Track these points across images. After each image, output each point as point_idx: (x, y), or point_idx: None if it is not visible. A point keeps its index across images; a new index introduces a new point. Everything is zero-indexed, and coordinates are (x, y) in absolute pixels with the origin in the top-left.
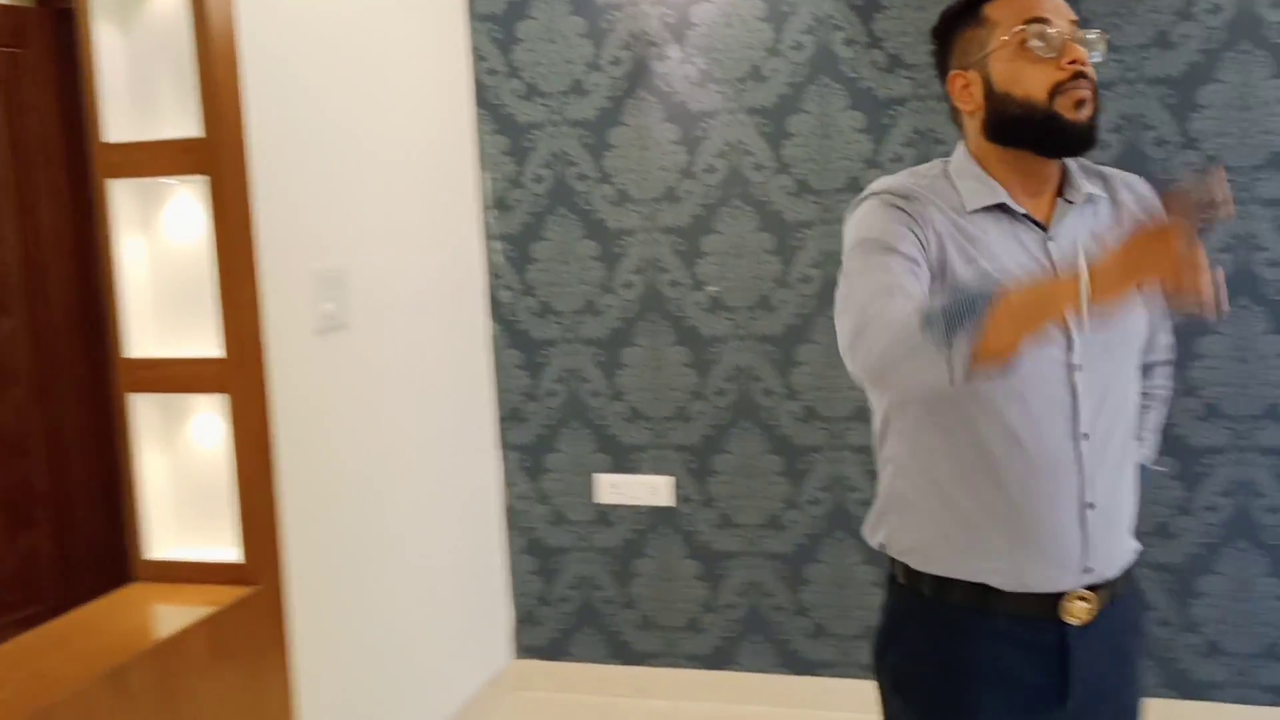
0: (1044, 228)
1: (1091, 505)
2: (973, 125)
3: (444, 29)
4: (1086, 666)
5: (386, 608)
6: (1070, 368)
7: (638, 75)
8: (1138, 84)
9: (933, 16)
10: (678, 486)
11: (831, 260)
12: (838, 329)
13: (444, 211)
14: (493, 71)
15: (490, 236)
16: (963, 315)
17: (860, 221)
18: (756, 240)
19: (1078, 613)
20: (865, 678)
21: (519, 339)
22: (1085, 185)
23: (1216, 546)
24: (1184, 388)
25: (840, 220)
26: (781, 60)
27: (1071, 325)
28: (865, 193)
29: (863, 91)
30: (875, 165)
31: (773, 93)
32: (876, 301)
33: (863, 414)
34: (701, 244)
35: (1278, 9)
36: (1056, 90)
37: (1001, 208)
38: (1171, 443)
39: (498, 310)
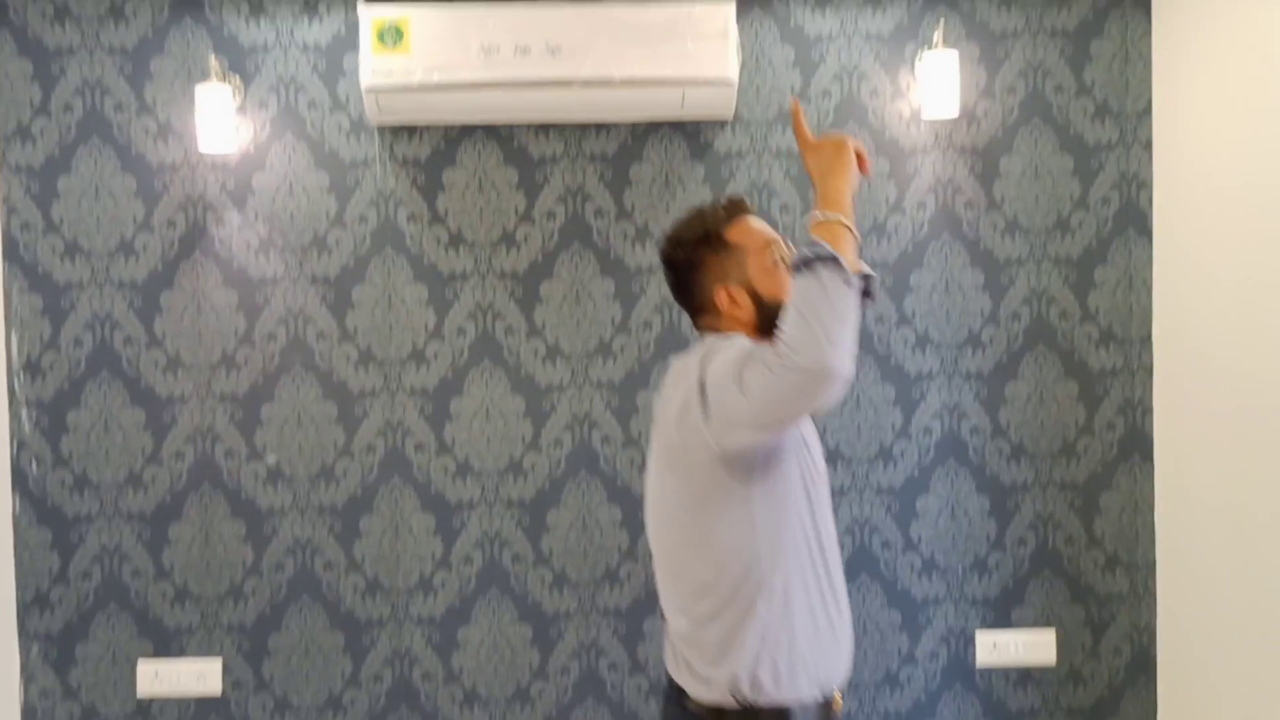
0: None
1: None
2: (735, 325)
3: None
4: None
5: None
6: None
7: (194, 238)
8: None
9: (489, 202)
10: (226, 670)
11: (393, 430)
12: (765, 384)
13: None
14: (27, 226)
15: (17, 403)
16: (822, 250)
17: (731, 347)
18: (320, 409)
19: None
20: None
21: (48, 515)
22: None
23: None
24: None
25: (401, 390)
26: (345, 230)
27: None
28: (714, 344)
29: (426, 266)
30: (438, 337)
31: (337, 263)
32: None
33: (428, 584)
34: (261, 412)
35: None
36: None
37: None
38: None
39: (22, 483)
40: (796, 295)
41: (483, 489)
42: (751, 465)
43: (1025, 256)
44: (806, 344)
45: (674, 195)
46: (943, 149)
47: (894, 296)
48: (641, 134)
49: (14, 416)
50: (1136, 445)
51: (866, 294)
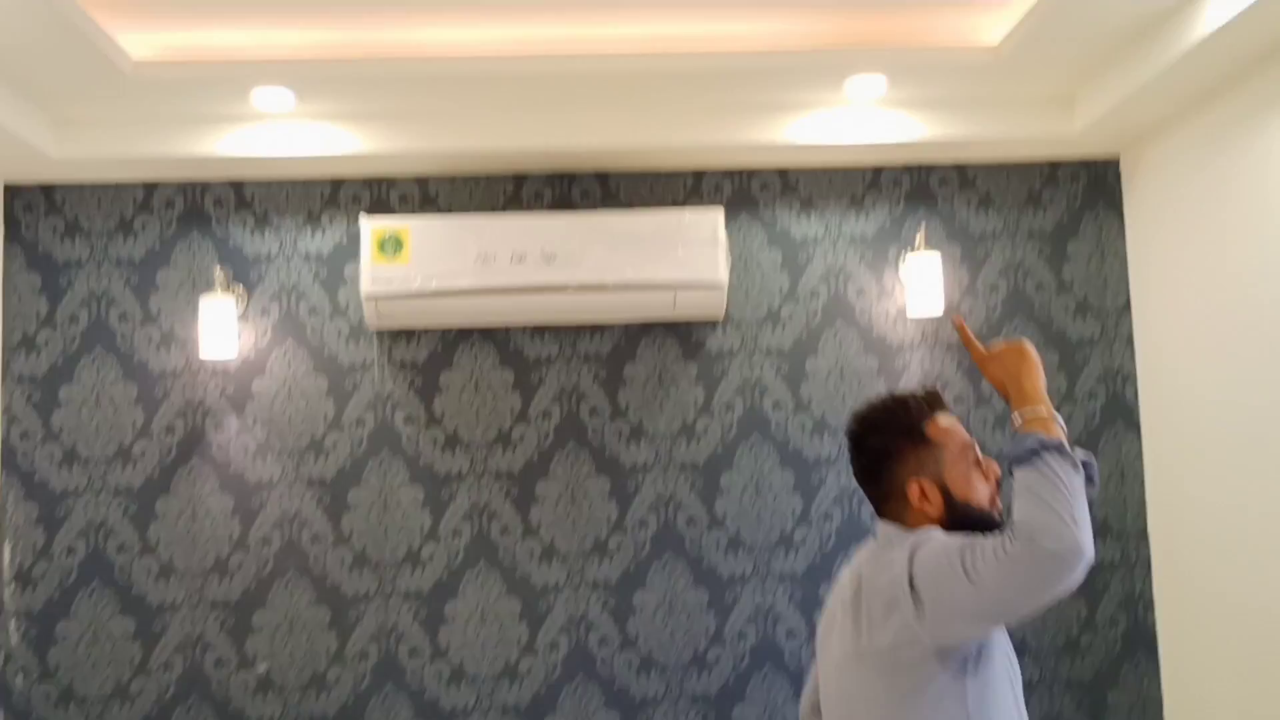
0: None
1: None
2: (922, 519)
3: None
4: None
5: None
6: None
7: (192, 443)
8: (669, 468)
9: (485, 404)
10: None
11: (386, 635)
12: (1001, 572)
13: None
14: (26, 435)
15: (6, 614)
16: (1048, 439)
17: (936, 540)
18: (312, 614)
19: None
20: None
21: None
22: None
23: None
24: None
25: (396, 593)
26: (342, 433)
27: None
28: (917, 537)
29: (422, 467)
30: (434, 538)
31: (333, 465)
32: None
33: None
34: (253, 619)
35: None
36: (993, 499)
37: None
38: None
39: (6, 697)
40: (1028, 484)
41: (477, 696)
42: (966, 659)
43: None
44: (1051, 527)
45: (667, 394)
46: (929, 345)
47: None
48: (635, 334)
49: (2, 628)
50: (1141, 640)
51: (1089, 480)
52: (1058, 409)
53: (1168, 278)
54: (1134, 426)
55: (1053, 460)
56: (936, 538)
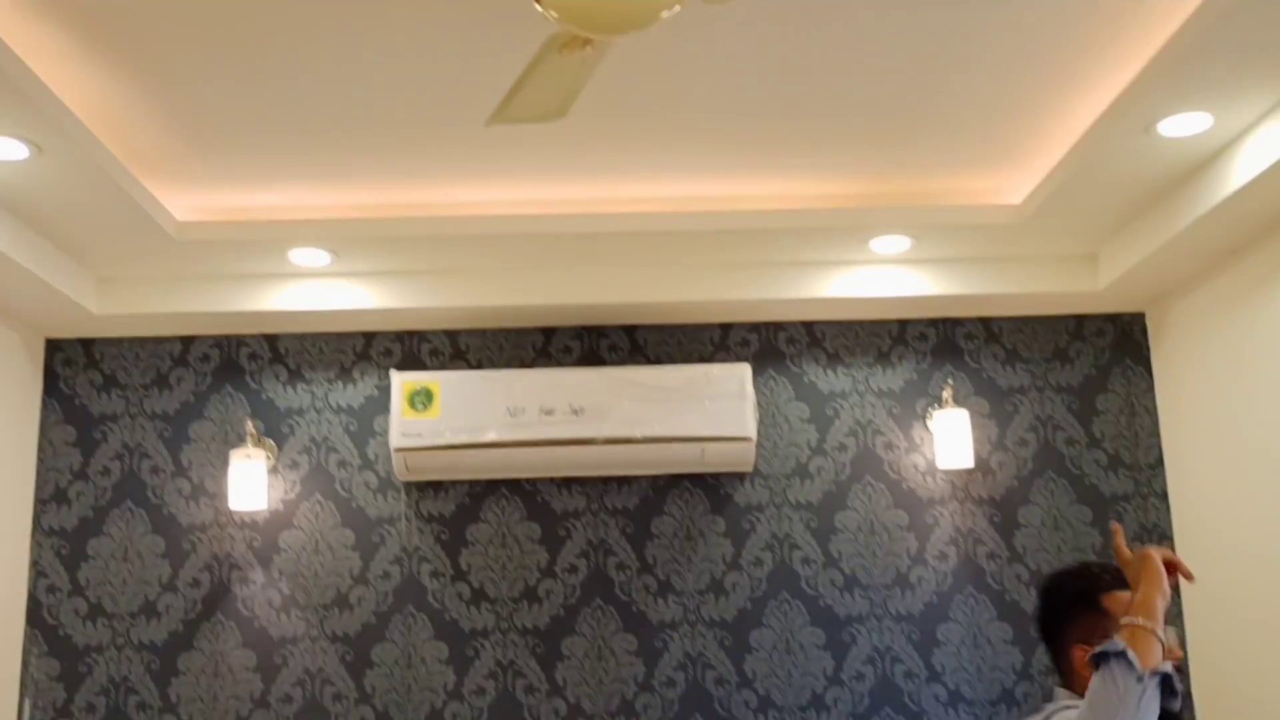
0: None
1: None
2: (1084, 686)
3: (4, 542)
4: None
5: None
6: None
7: (216, 597)
8: (698, 625)
9: (511, 558)
10: None
11: None
12: None
13: None
14: (53, 590)
15: None
16: (1114, 645)
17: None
18: None
19: None
20: None
21: None
22: None
23: None
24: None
25: None
26: (368, 588)
27: None
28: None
29: (447, 623)
30: (457, 697)
31: (358, 620)
32: None
33: None
34: None
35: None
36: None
37: None
38: None
39: None
40: (1091, 687)
41: None
42: None
43: None
44: None
45: (695, 548)
46: (960, 500)
47: (921, 651)
48: (663, 487)
49: None
50: None
51: (1173, 692)
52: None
53: (1200, 432)
54: (1172, 585)
55: (1117, 668)
56: (1068, 714)
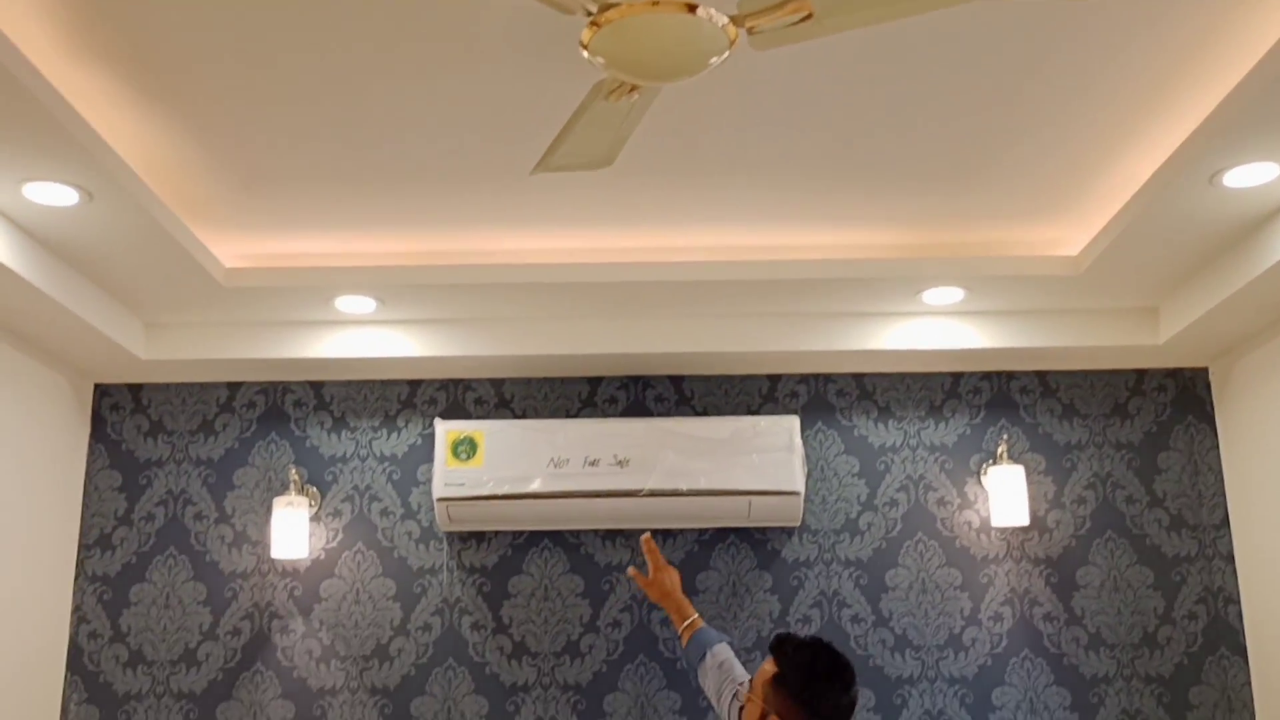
0: None
1: None
2: None
3: (48, 586)
4: None
5: None
6: None
7: (256, 647)
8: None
9: (554, 611)
10: None
11: None
12: None
13: None
14: (94, 635)
15: None
16: None
17: None
18: None
19: None
20: None
21: None
22: None
23: None
24: None
25: None
26: (408, 639)
27: None
28: None
29: (488, 676)
30: None
31: (397, 673)
32: None
33: None
34: None
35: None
36: None
37: None
38: None
39: None
40: None
41: None
42: None
43: (1114, 674)
44: None
45: (742, 604)
46: (1015, 559)
47: (975, 715)
48: (709, 541)
49: None
50: None
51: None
52: (1157, 628)
53: (1267, 491)
54: (1240, 650)
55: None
56: None
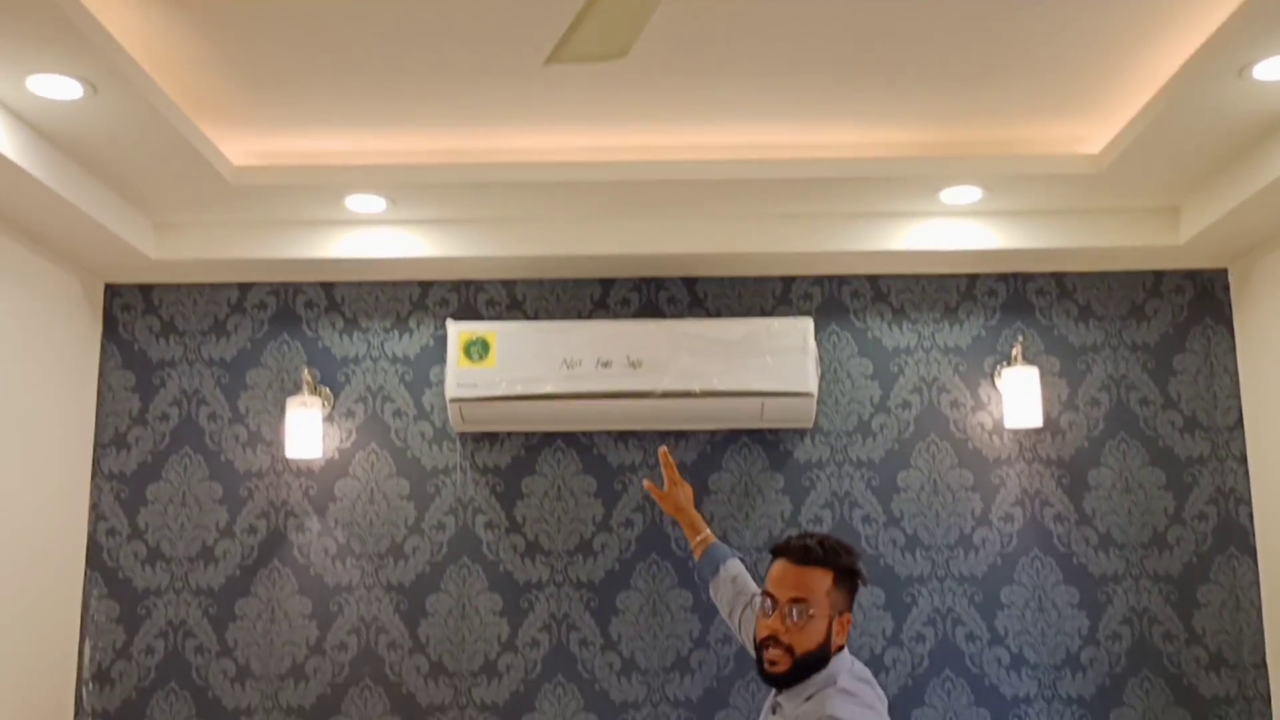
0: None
1: None
2: None
3: (65, 484)
4: None
5: None
6: None
7: (273, 545)
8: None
9: (567, 511)
10: None
11: None
12: None
13: (36, 686)
14: (112, 533)
15: (82, 714)
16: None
17: None
18: None
19: None
20: None
21: None
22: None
23: None
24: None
25: (471, 705)
26: (422, 538)
27: None
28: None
29: (502, 575)
30: (511, 649)
31: (412, 570)
32: None
33: None
34: None
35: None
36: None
37: None
38: None
39: None
40: None
41: None
42: None
43: (1122, 573)
44: None
45: (753, 504)
46: (1027, 460)
47: (984, 613)
48: (721, 442)
49: None
50: None
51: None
52: (1167, 527)
53: None
54: (1249, 551)
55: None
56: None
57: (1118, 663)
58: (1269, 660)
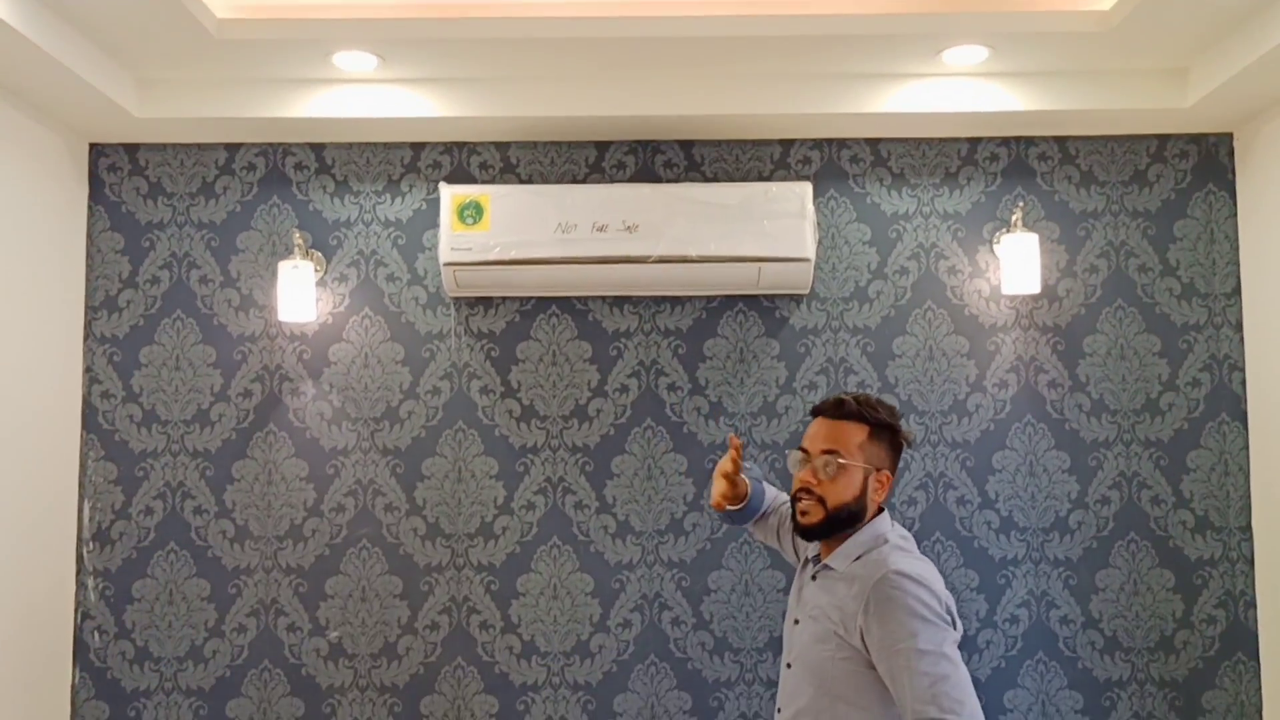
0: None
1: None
2: None
3: (58, 347)
4: None
5: None
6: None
7: (268, 408)
8: (749, 448)
9: (562, 376)
10: None
11: (458, 607)
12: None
13: (37, 545)
14: (107, 395)
15: (84, 573)
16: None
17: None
18: (385, 584)
19: None
20: None
21: (107, 688)
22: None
23: None
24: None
25: (469, 565)
26: (418, 402)
27: None
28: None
29: (497, 439)
30: (507, 512)
31: (408, 434)
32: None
33: None
34: (325, 586)
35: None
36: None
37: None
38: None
39: (83, 655)
40: None
41: (548, 672)
42: None
43: (1113, 439)
44: None
45: (748, 370)
46: (1024, 327)
47: (976, 479)
48: (716, 309)
49: (80, 585)
50: (1240, 640)
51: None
52: (1160, 394)
53: None
54: (1240, 417)
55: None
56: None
57: (1105, 526)
58: (1254, 523)
